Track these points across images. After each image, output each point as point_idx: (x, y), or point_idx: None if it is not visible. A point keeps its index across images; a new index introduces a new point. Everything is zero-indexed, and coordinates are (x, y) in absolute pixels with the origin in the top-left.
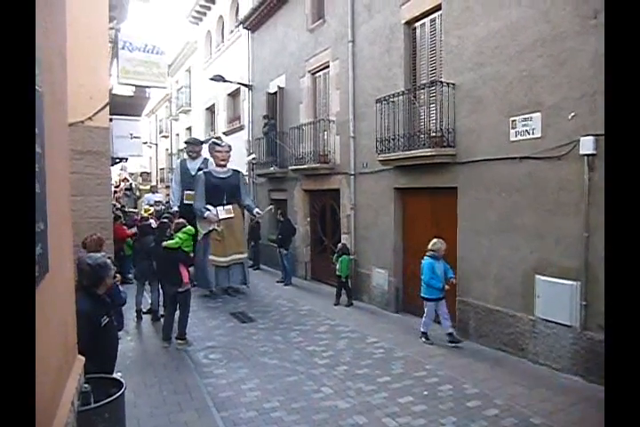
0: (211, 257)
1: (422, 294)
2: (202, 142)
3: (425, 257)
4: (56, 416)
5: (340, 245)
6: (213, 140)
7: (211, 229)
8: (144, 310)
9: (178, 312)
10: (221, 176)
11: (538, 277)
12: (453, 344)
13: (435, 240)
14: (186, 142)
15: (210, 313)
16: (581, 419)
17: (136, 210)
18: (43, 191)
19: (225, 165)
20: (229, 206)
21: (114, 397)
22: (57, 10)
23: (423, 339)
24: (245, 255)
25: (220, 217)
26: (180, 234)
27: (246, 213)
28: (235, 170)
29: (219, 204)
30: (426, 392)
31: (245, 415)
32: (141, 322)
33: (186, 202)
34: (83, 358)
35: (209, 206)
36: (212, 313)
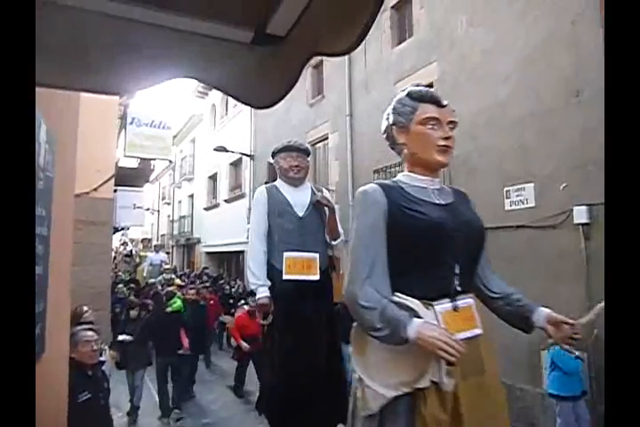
0: None
1: (549, 390)
2: (309, 153)
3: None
4: None
5: None
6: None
7: (422, 386)
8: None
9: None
10: (436, 202)
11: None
12: None
13: None
14: (281, 150)
15: (205, 386)
16: None
17: (152, 280)
18: (45, 272)
19: (442, 166)
20: (470, 300)
21: None
22: (73, 95)
23: None
24: None
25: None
26: (175, 298)
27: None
28: (456, 189)
29: (441, 293)
30: None
31: None
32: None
33: (288, 277)
34: None
35: (406, 299)
36: (208, 386)
